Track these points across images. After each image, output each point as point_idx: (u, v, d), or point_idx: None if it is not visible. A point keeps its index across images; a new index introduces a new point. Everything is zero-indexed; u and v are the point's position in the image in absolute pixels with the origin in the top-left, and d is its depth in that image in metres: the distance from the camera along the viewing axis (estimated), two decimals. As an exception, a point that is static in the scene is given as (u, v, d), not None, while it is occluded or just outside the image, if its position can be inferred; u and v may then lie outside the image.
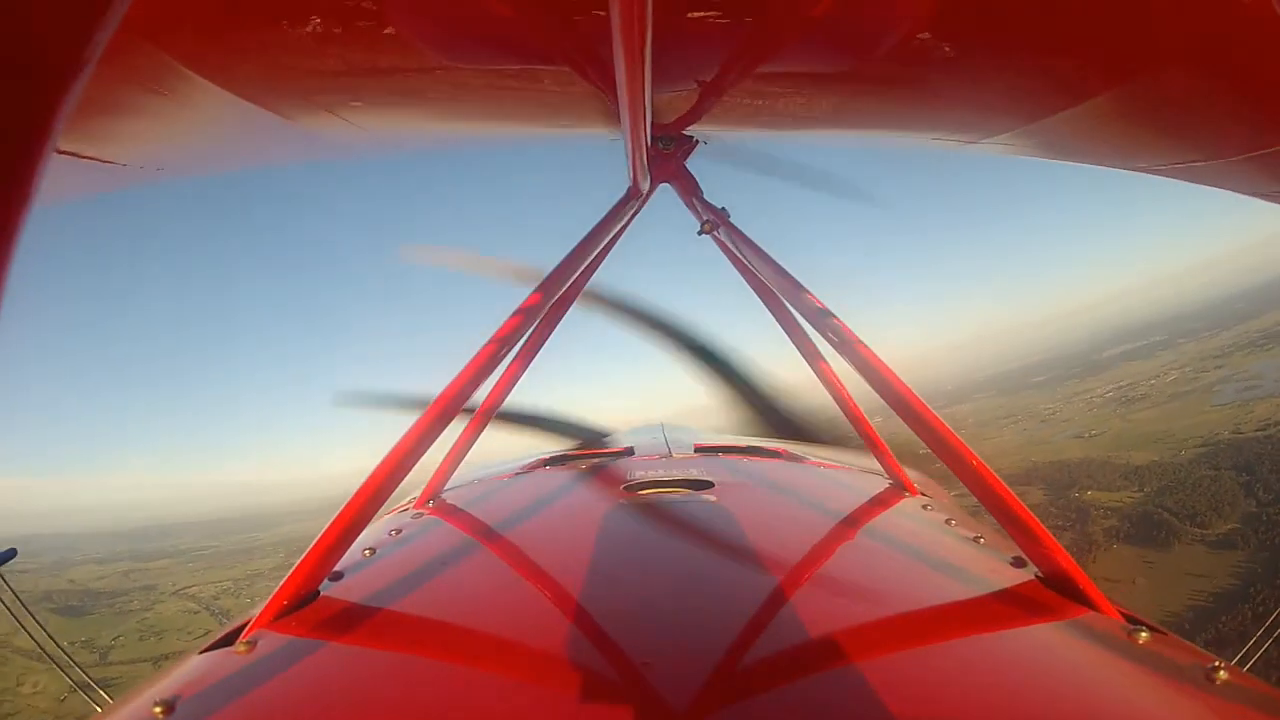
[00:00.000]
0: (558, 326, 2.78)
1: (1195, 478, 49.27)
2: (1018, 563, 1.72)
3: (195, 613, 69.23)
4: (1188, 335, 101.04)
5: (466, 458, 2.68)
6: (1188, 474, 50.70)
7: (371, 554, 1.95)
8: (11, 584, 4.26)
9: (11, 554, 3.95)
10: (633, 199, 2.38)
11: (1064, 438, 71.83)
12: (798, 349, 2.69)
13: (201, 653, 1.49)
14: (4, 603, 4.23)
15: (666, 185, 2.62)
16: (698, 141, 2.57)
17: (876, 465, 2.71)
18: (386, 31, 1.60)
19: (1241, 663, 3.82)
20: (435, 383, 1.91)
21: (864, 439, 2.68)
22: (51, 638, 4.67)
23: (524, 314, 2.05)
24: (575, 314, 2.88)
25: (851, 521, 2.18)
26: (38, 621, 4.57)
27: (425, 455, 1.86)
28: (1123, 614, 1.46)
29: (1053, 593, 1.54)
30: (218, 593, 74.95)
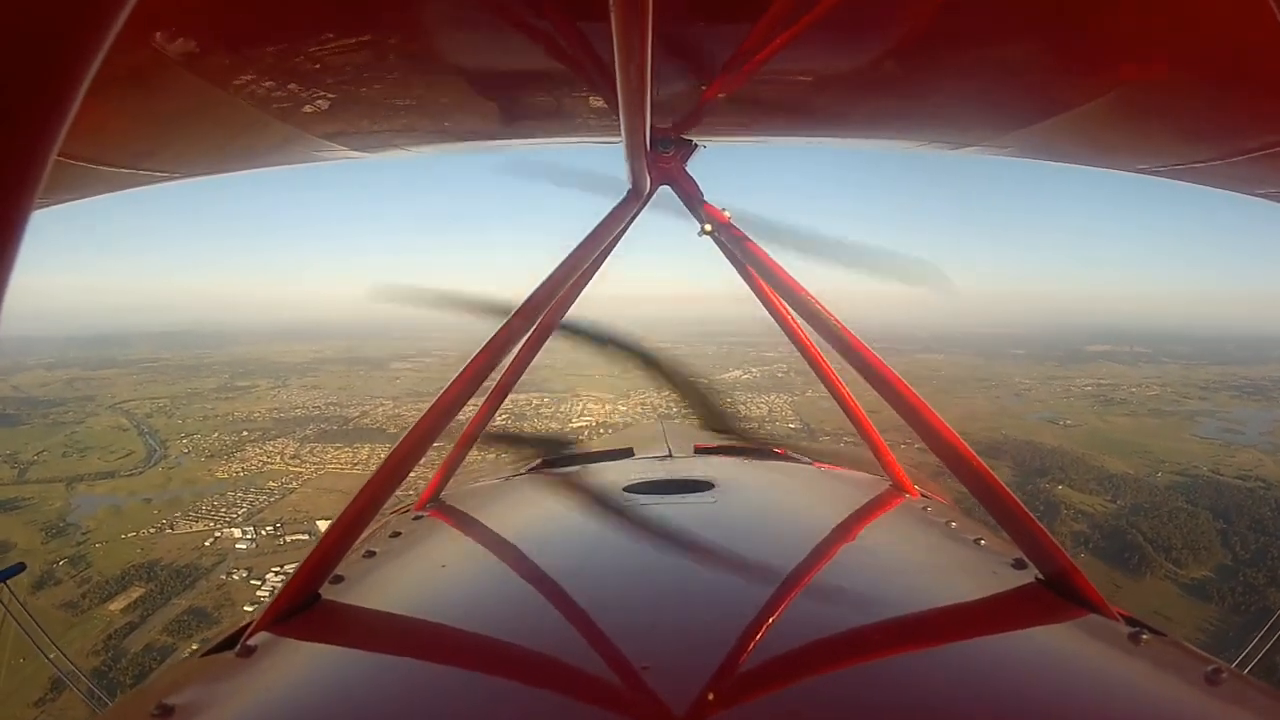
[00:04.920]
0: (557, 327, 2.68)
1: (1171, 507, 48.05)
2: (1018, 565, 1.71)
3: (124, 430, 66.57)
4: (1173, 356, 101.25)
5: (466, 459, 2.66)
6: (1164, 500, 49.48)
7: (371, 557, 1.91)
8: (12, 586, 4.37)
9: (19, 569, 4.59)
10: (633, 201, 2.33)
11: (1037, 419, 70.93)
12: (798, 349, 2.62)
13: (202, 656, 1.47)
14: (13, 616, 4.45)
15: (666, 186, 2.55)
16: (697, 144, 2.52)
17: (877, 465, 2.70)
18: (389, 36, 1.60)
19: (1242, 665, 4.01)
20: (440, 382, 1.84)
21: (864, 439, 2.65)
22: (57, 646, 5.30)
23: (524, 315, 1.99)
24: (576, 313, 2.76)
25: (852, 523, 2.21)
26: (45, 633, 4.90)
27: (424, 457, 1.81)
28: (1123, 616, 1.46)
29: (1054, 595, 1.53)
30: (151, 410, 72.56)
